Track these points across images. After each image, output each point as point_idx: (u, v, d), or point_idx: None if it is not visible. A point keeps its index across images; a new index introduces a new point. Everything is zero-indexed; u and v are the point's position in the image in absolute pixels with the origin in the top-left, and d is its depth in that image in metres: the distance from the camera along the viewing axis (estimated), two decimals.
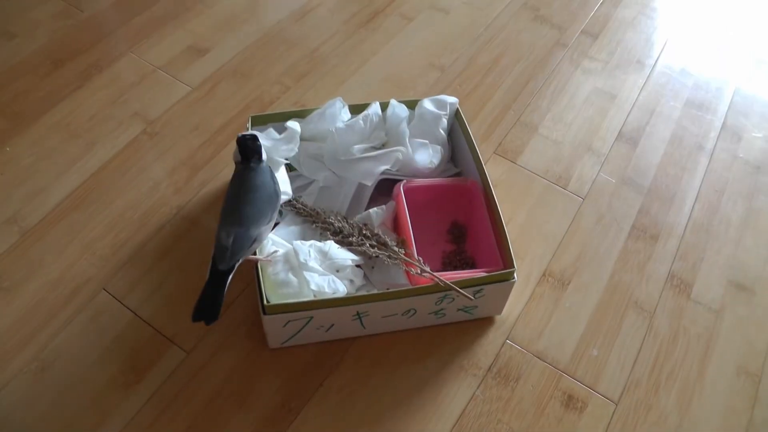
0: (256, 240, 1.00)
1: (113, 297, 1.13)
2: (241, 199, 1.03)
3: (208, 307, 0.95)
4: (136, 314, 1.11)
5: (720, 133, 1.49)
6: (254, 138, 1.06)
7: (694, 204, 1.35)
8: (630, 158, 1.42)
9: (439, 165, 1.23)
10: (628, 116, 1.50)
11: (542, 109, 1.50)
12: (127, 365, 1.06)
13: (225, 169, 1.32)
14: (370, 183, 1.15)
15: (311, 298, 1.01)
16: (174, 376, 1.06)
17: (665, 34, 1.72)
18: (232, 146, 1.34)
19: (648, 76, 1.60)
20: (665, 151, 1.44)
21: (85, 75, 1.48)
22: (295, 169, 1.23)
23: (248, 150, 1.05)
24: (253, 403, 1.04)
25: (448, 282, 1.01)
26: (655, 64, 1.63)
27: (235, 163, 1.07)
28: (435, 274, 1.02)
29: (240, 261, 0.98)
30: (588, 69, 1.60)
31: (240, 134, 1.06)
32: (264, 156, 1.07)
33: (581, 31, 1.69)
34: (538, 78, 1.56)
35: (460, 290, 1.01)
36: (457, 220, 1.22)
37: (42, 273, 1.15)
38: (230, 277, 0.96)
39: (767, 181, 1.40)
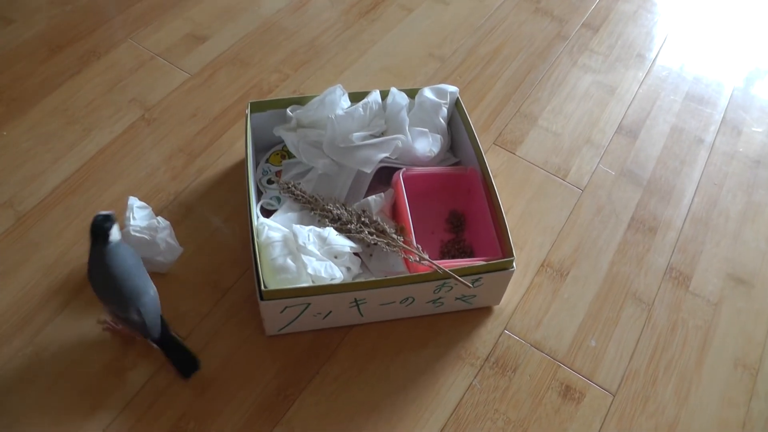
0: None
1: None
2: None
3: (183, 362, 1.04)
4: None
5: (720, 127, 1.49)
6: (106, 218, 0.94)
7: (694, 197, 1.35)
8: (630, 151, 1.41)
9: (439, 154, 1.22)
10: (628, 109, 1.50)
11: (542, 100, 1.49)
12: (123, 351, 1.05)
13: (222, 157, 1.31)
14: (370, 170, 1.15)
15: (309, 283, 1.00)
16: (169, 362, 1.05)
17: (666, 28, 1.71)
18: (230, 134, 1.35)
19: (648, 70, 1.59)
20: (665, 144, 1.44)
21: (83, 61, 1.47)
22: (293, 156, 1.22)
23: (98, 229, 0.94)
24: (248, 390, 1.03)
25: (446, 270, 1.00)
26: (655, 57, 1.63)
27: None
28: (434, 261, 1.01)
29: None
30: (588, 61, 1.59)
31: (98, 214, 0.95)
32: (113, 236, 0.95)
33: (582, 24, 1.68)
34: (538, 70, 1.56)
35: (459, 278, 1.00)
36: (455, 209, 1.22)
37: (38, 257, 1.15)
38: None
39: (766, 176, 1.40)
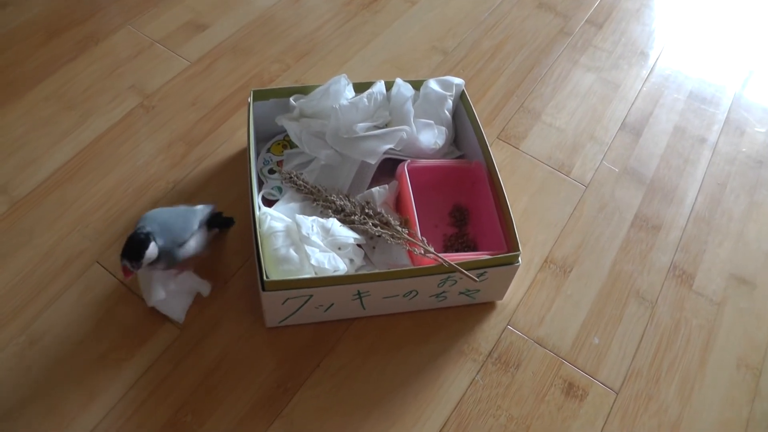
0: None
1: (107, 270, 1.10)
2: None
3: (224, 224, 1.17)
4: (130, 289, 1.08)
5: (723, 126, 1.48)
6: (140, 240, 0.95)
7: (697, 196, 1.34)
8: (633, 148, 1.40)
9: (443, 146, 1.20)
10: (631, 106, 1.49)
11: (545, 96, 1.48)
12: (119, 341, 1.03)
13: (223, 145, 1.29)
14: (374, 161, 1.13)
15: (312, 275, 0.98)
16: (167, 353, 1.03)
17: (669, 26, 1.70)
18: (230, 123, 1.33)
19: (652, 68, 1.58)
20: (668, 142, 1.43)
21: (81, 46, 1.44)
22: (295, 146, 1.20)
23: (135, 246, 0.94)
24: (247, 382, 1.01)
25: (452, 263, 0.98)
26: (658, 56, 1.62)
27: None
28: (439, 254, 1.00)
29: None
30: (592, 58, 1.58)
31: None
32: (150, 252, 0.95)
33: (586, 20, 1.67)
34: (541, 65, 1.54)
35: (465, 272, 0.99)
36: (459, 203, 1.20)
37: (32, 244, 1.12)
38: None
39: None
